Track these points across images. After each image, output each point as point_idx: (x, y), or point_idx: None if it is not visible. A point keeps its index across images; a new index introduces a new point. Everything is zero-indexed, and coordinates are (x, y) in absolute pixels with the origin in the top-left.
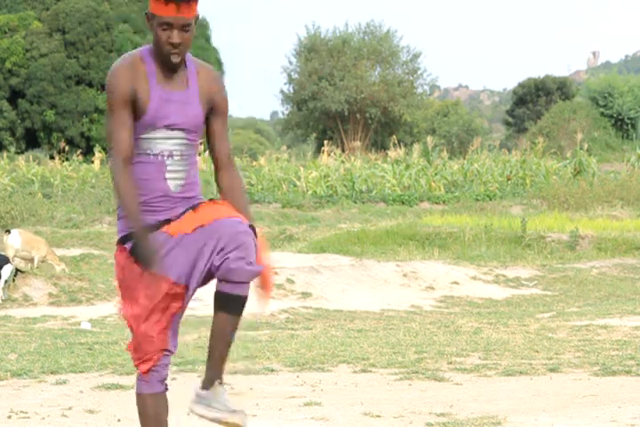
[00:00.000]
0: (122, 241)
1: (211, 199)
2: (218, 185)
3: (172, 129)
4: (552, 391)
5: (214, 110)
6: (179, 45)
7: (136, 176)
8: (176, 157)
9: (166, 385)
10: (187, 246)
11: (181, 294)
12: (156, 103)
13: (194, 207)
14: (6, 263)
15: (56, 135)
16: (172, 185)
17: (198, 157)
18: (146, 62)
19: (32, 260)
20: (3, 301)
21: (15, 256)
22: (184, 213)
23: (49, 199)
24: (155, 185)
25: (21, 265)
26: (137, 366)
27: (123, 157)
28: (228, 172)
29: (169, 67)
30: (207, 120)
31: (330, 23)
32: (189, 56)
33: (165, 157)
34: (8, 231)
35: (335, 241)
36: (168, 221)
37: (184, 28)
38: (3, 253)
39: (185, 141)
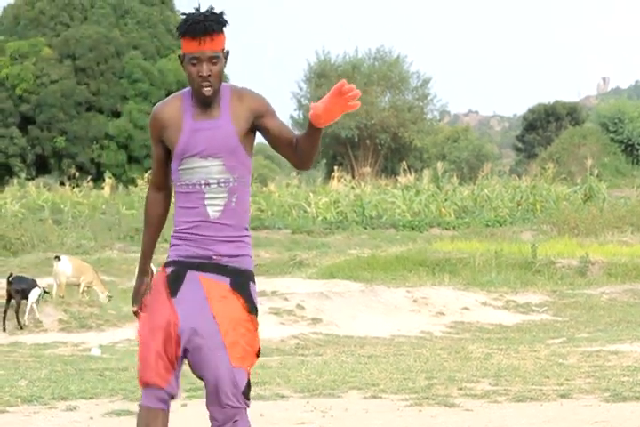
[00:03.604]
0: (165, 265)
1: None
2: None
3: (206, 157)
4: (562, 417)
5: (259, 117)
6: (208, 77)
7: (178, 205)
8: (213, 186)
9: (165, 404)
10: (199, 320)
11: (177, 348)
12: (187, 135)
13: (233, 284)
14: (34, 287)
15: (66, 161)
16: (211, 211)
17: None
18: (183, 100)
19: (79, 285)
20: (24, 326)
21: (66, 283)
22: (223, 270)
23: (59, 225)
24: (195, 211)
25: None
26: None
27: (152, 183)
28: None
29: (203, 101)
30: (259, 128)
31: (340, 49)
32: (227, 86)
33: (203, 186)
34: (58, 258)
35: (345, 267)
36: (203, 265)
37: (211, 60)
38: (30, 277)
39: (222, 168)
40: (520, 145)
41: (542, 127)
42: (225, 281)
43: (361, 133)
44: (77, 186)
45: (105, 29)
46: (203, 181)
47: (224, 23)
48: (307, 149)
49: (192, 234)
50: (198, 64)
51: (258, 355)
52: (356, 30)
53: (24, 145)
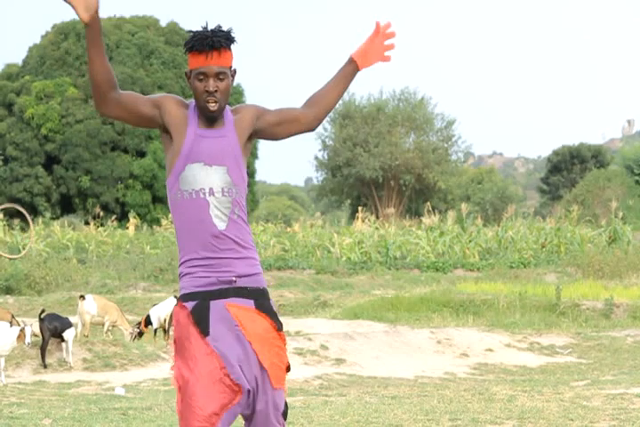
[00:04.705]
0: (183, 299)
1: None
2: (314, 112)
3: (211, 165)
4: None
5: (259, 118)
6: (215, 93)
7: (182, 217)
8: (217, 194)
9: None
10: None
11: (236, 391)
12: (192, 138)
13: (258, 306)
14: (69, 326)
15: (91, 201)
16: (217, 221)
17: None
18: (189, 109)
19: (103, 325)
20: (70, 367)
21: (90, 322)
22: (244, 293)
23: (84, 265)
24: (201, 223)
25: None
26: None
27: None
28: (303, 109)
29: (208, 117)
30: (261, 128)
31: (364, 90)
32: (228, 108)
33: (207, 195)
34: (82, 297)
35: (369, 307)
36: (224, 291)
37: (218, 76)
38: (64, 316)
39: (226, 177)
40: (544, 187)
41: (567, 169)
42: (249, 303)
43: (385, 174)
44: (102, 225)
45: (130, 69)
46: (207, 189)
47: (232, 40)
48: (330, 97)
49: (205, 258)
50: (205, 79)
51: (288, 370)
52: (381, 72)
53: (49, 184)
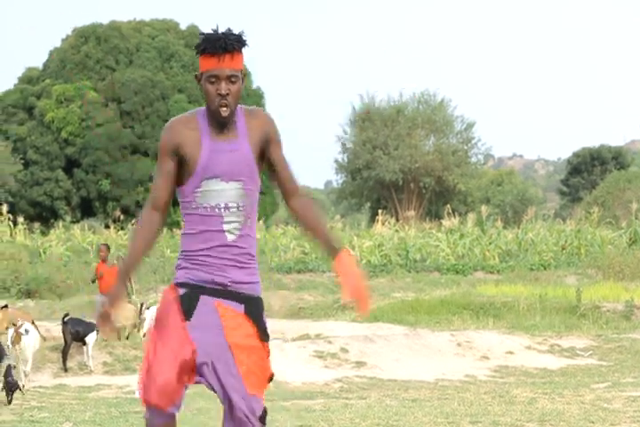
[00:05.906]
0: (175, 285)
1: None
2: (292, 213)
3: (227, 180)
4: None
5: (268, 142)
6: (226, 96)
7: (190, 227)
8: (232, 209)
9: (171, 418)
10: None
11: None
12: (207, 154)
13: (248, 312)
14: (92, 330)
15: (111, 204)
16: (229, 235)
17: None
18: (199, 119)
19: (123, 328)
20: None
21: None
22: (236, 297)
23: None
24: (212, 235)
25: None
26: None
27: (153, 202)
28: (294, 198)
29: (219, 122)
30: (265, 154)
31: (384, 92)
32: (239, 108)
33: (222, 210)
34: None
35: (389, 310)
36: (216, 291)
37: (230, 78)
38: (87, 320)
39: (241, 192)
40: (565, 189)
41: (587, 171)
42: (239, 308)
43: (405, 177)
44: (122, 229)
45: (150, 73)
46: (222, 205)
47: (244, 43)
48: (307, 230)
49: (208, 257)
50: (217, 82)
51: (269, 380)
52: (401, 74)
53: (69, 188)
